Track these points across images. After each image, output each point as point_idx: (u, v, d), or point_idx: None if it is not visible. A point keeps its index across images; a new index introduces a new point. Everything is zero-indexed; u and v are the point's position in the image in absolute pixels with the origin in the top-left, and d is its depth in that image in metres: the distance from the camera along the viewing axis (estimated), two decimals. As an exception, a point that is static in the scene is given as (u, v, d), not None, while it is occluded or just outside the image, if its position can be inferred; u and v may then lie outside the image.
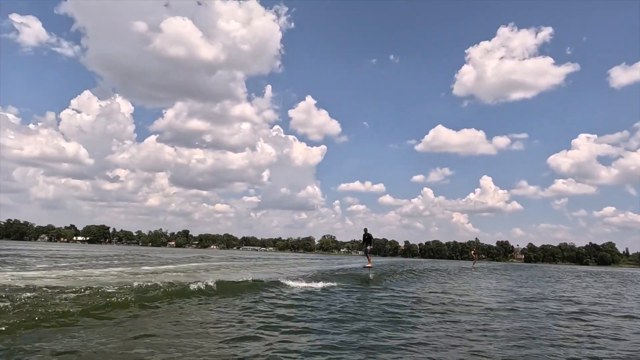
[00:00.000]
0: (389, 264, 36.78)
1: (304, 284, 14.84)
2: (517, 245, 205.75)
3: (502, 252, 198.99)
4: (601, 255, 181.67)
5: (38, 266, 18.62)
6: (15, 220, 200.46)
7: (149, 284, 11.07)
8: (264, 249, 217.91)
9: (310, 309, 10.05)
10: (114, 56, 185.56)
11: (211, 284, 11.70)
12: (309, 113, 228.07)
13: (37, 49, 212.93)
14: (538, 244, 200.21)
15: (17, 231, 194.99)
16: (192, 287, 11.04)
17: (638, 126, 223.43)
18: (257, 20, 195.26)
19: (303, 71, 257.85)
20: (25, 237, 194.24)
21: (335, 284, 15.96)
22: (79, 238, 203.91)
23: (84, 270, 16.78)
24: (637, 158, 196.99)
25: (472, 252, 53.35)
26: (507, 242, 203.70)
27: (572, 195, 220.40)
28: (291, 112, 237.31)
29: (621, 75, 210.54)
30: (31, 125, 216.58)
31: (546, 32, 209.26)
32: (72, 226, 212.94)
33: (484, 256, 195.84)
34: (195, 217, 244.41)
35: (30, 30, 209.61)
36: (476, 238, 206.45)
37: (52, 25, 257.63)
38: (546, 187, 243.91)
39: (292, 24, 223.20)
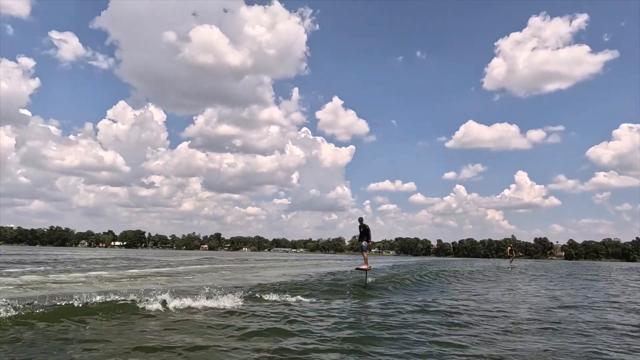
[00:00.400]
0: (405, 265, 34.66)
1: (274, 297, 11.31)
2: (557, 242, 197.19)
3: (540, 249, 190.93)
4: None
5: None
6: (57, 227, 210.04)
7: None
8: (295, 250, 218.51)
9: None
10: (145, 66, 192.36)
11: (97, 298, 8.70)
12: (336, 114, 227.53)
13: (75, 63, 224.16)
14: (579, 240, 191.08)
15: (59, 237, 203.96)
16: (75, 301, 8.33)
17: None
18: (282, 24, 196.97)
19: (329, 72, 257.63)
20: (67, 243, 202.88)
21: (308, 299, 11.73)
22: (117, 243, 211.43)
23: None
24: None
25: (509, 249, 49.38)
26: (545, 239, 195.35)
27: (615, 188, 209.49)
28: (318, 114, 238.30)
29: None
30: (71, 136, 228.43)
31: (581, 20, 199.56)
32: (110, 232, 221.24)
33: (521, 254, 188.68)
34: (227, 220, 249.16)
35: (68, 45, 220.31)
36: (512, 235, 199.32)
37: (88, 39, 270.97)
38: (586, 180, 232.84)
39: (317, 26, 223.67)
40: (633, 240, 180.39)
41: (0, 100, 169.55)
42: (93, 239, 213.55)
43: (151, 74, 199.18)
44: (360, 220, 16.92)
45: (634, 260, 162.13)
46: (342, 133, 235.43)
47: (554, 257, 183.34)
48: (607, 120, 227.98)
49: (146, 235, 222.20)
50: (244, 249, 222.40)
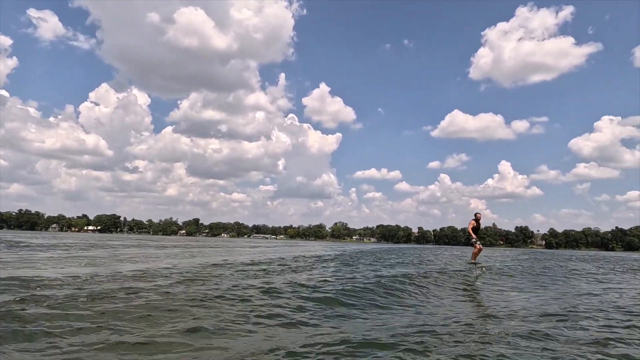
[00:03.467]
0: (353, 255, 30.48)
1: None
2: (538, 230, 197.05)
3: (521, 238, 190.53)
4: (628, 240, 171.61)
5: None
6: (27, 210, 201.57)
7: None
8: (274, 237, 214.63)
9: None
10: (128, 48, 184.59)
11: None
12: (323, 100, 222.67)
13: (55, 43, 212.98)
14: (559, 230, 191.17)
15: (28, 221, 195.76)
16: None
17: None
18: (269, 7, 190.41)
19: (316, 58, 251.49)
20: (37, 227, 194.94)
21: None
22: (90, 227, 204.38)
23: None
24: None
25: (470, 226, 16.22)
26: (526, 228, 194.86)
27: (595, 179, 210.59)
28: (305, 100, 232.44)
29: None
30: (51, 119, 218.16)
31: (567, 11, 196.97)
32: (85, 216, 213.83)
33: (502, 242, 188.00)
34: (212, 206, 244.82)
35: (47, 24, 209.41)
36: (493, 223, 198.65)
37: (68, 18, 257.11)
38: (567, 171, 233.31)
39: (305, 11, 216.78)
40: (612, 230, 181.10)
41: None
42: (65, 223, 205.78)
43: (134, 56, 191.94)
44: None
45: (612, 250, 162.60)
46: (329, 120, 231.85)
47: (535, 246, 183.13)
48: (589, 112, 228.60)
49: (121, 219, 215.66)
50: (223, 235, 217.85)
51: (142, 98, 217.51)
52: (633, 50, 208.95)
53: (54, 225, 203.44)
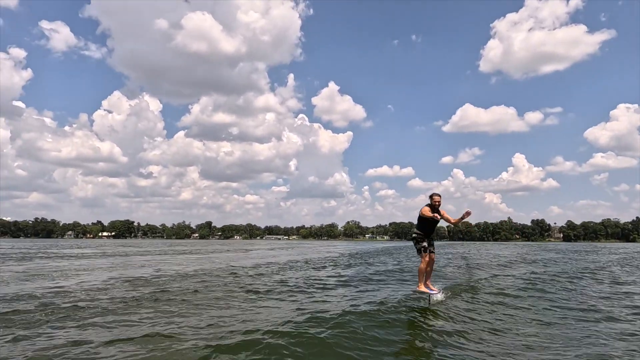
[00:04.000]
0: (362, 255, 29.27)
1: None
2: (555, 223, 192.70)
3: (538, 231, 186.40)
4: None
5: None
6: (43, 218, 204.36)
7: None
8: (287, 237, 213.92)
9: None
10: (138, 55, 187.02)
11: None
12: (332, 99, 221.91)
13: (67, 53, 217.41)
14: (577, 222, 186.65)
15: (44, 229, 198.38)
16: None
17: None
18: (276, 9, 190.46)
19: (324, 57, 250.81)
20: (53, 235, 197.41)
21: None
22: (105, 234, 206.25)
23: None
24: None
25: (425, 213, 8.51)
26: (542, 221, 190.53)
27: (613, 169, 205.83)
28: (315, 100, 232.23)
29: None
30: (66, 128, 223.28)
31: None
32: (99, 222, 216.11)
33: (518, 236, 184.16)
34: (226, 208, 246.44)
35: (59, 35, 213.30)
36: (508, 217, 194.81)
37: (79, 28, 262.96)
38: (584, 162, 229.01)
39: (311, 11, 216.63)
40: (633, 220, 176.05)
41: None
42: (80, 230, 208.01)
43: (144, 63, 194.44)
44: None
45: (633, 241, 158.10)
46: (339, 119, 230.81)
47: (552, 239, 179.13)
48: (605, 101, 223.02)
49: (135, 224, 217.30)
50: (235, 237, 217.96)
51: (153, 104, 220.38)
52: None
53: (70, 232, 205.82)
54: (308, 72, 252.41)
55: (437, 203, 8.54)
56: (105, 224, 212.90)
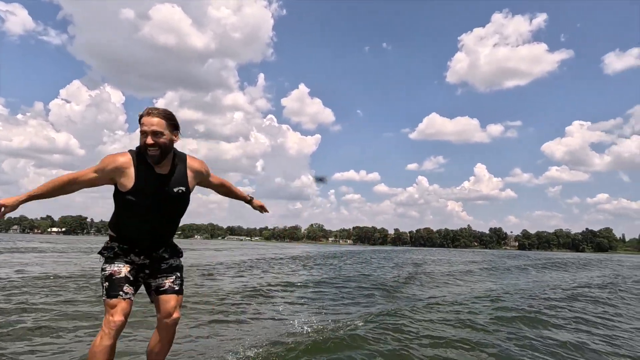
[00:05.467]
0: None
1: None
2: (511, 232, 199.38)
3: (495, 239, 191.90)
4: (598, 241, 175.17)
5: None
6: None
7: None
8: (249, 238, 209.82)
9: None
10: (101, 44, 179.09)
11: None
12: (302, 101, 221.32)
13: (24, 37, 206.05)
14: (533, 231, 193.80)
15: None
16: None
17: (631, 113, 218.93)
18: (248, 7, 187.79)
19: (296, 59, 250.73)
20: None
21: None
22: (54, 229, 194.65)
23: None
24: (630, 145, 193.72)
25: None
26: (500, 229, 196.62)
27: (566, 182, 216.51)
28: (284, 101, 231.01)
29: (615, 62, 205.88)
30: (19, 116, 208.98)
31: (541, 19, 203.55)
32: (49, 217, 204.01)
33: (476, 243, 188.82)
34: (189, 207, 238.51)
35: (16, 18, 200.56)
36: (468, 225, 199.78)
37: (38, 12, 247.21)
38: (540, 174, 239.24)
39: (284, 11, 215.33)
40: (583, 232, 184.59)
41: None
42: (27, 224, 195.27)
43: (108, 53, 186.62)
44: None
45: (582, 251, 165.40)
46: (308, 121, 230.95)
47: (508, 247, 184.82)
48: (561, 117, 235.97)
49: (89, 221, 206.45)
50: (196, 236, 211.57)
51: (115, 96, 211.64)
52: (603, 57, 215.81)
53: (15, 227, 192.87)
54: (279, 73, 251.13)
55: None
56: (56, 219, 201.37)
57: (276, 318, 6.05)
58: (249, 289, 8.50)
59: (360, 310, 6.64)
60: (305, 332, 4.93)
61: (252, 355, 3.99)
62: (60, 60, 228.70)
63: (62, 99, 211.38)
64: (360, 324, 5.19)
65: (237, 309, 6.62)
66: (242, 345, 4.41)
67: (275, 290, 8.59)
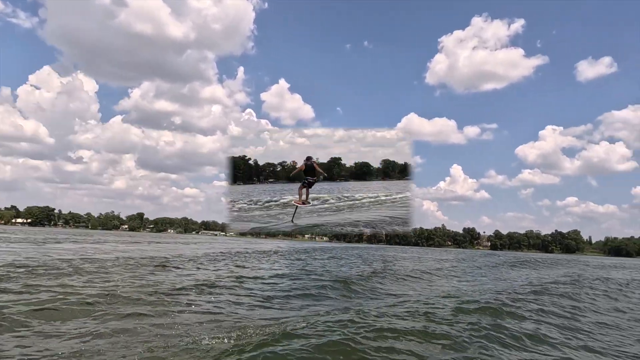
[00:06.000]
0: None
1: None
2: (484, 232, 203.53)
3: (468, 239, 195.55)
4: (566, 243, 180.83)
5: None
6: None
7: None
8: (223, 233, 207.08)
9: None
10: (74, 30, 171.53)
11: None
12: (282, 97, 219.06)
13: None
14: (504, 232, 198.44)
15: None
16: None
17: (601, 120, 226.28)
18: None
19: (276, 53, 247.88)
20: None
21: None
22: (19, 220, 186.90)
23: None
24: (598, 150, 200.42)
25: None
26: (473, 229, 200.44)
27: (537, 185, 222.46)
28: (264, 95, 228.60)
29: (587, 70, 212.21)
30: None
31: (518, 24, 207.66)
32: (13, 207, 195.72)
33: (450, 243, 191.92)
34: (163, 201, 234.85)
35: None
36: (442, 225, 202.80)
37: None
38: (513, 176, 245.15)
39: (266, 5, 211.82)
40: (552, 233, 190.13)
41: None
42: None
43: (81, 39, 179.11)
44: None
45: (551, 252, 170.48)
46: (287, 117, 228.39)
47: (481, 247, 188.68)
48: (535, 121, 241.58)
49: (56, 212, 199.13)
50: (169, 230, 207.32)
51: (88, 84, 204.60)
52: (576, 64, 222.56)
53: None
54: (259, 67, 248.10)
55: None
56: (22, 209, 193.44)
57: (212, 312, 5.34)
58: (195, 282, 7.76)
59: (308, 303, 6.01)
60: (238, 326, 4.26)
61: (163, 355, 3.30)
62: (29, 45, 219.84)
63: (31, 85, 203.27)
64: (301, 317, 4.55)
65: (172, 301, 5.87)
66: (157, 341, 3.72)
67: (223, 284, 7.87)
